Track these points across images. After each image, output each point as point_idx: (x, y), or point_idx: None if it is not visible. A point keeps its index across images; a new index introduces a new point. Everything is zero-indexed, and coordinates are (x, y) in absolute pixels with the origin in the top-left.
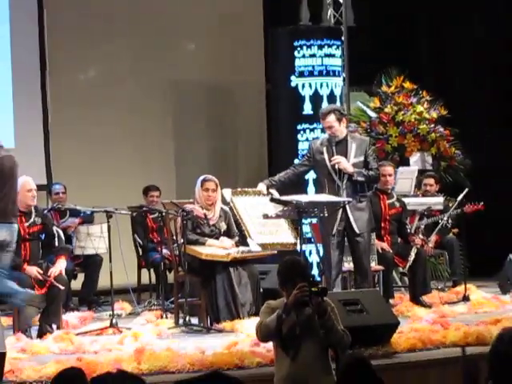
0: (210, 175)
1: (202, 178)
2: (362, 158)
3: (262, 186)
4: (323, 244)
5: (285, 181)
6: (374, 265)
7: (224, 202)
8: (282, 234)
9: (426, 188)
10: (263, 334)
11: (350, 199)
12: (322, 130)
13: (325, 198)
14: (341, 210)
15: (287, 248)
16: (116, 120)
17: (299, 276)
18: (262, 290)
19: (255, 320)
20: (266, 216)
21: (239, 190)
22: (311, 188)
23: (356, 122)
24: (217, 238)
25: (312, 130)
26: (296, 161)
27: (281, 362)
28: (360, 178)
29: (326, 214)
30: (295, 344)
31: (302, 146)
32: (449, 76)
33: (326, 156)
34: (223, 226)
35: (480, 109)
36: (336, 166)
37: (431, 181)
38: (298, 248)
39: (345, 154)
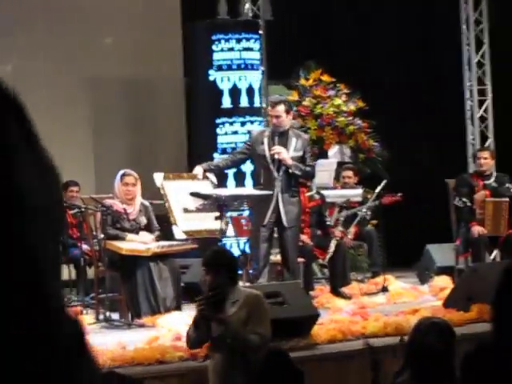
0: (129, 170)
1: (121, 172)
2: (300, 154)
3: (198, 170)
4: (252, 235)
5: (223, 167)
6: None
7: (150, 191)
8: (209, 221)
9: (345, 180)
10: (188, 345)
11: (271, 192)
12: (242, 124)
13: (246, 191)
14: (274, 202)
15: (214, 235)
16: (32, 116)
17: (225, 266)
18: (183, 284)
19: (176, 314)
20: (185, 210)
21: (172, 174)
22: (249, 181)
23: None
24: (137, 233)
25: (231, 123)
26: (216, 155)
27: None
28: (297, 172)
29: (246, 208)
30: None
31: (222, 140)
32: (366, 69)
33: (266, 146)
34: (143, 221)
35: (398, 100)
36: (276, 156)
37: (349, 173)
38: (199, 227)
39: (285, 147)
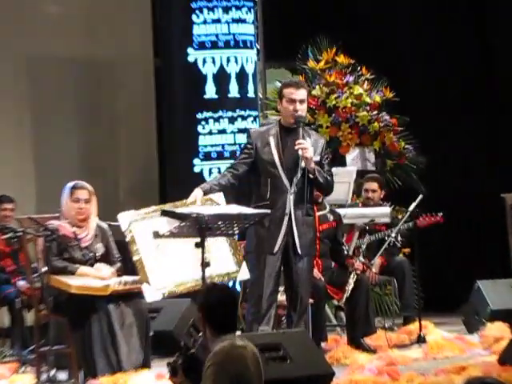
0: (81, 181)
1: (70, 184)
2: (317, 158)
3: (197, 192)
4: (252, 267)
5: (226, 185)
6: None
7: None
8: (194, 264)
9: (368, 195)
10: None
11: (268, 211)
12: (231, 120)
13: (234, 209)
14: (286, 222)
15: (229, 278)
16: None
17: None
18: (152, 333)
19: (144, 374)
20: (156, 234)
21: (153, 208)
22: None
23: (274, 108)
24: (91, 265)
25: (217, 119)
26: (197, 161)
27: None
28: (320, 179)
29: (236, 232)
30: None
31: (204, 141)
32: (395, 48)
33: (273, 148)
34: (100, 249)
35: (436, 90)
36: (300, 153)
37: (374, 185)
38: (207, 274)
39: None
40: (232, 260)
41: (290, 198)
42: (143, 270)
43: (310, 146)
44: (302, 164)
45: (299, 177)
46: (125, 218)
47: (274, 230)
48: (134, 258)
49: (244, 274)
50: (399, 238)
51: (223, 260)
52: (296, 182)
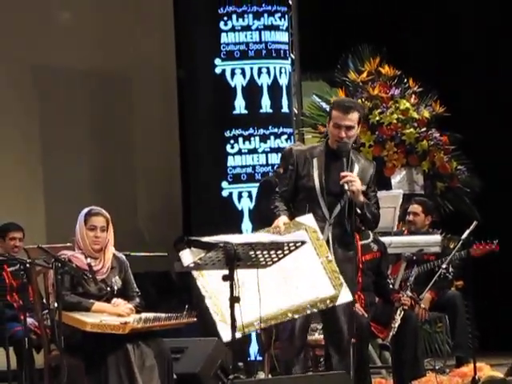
0: (97, 207)
1: (85, 211)
2: (364, 188)
3: (282, 218)
4: None
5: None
6: None
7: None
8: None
9: (409, 218)
10: None
11: (304, 240)
12: (262, 138)
13: (266, 237)
14: None
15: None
16: None
17: None
18: (175, 376)
19: None
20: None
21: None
22: (247, 223)
23: (311, 126)
24: (108, 300)
25: (247, 138)
26: (226, 184)
27: None
28: (368, 214)
29: (270, 263)
30: None
31: (233, 162)
32: (445, 58)
33: (315, 171)
34: (117, 283)
35: (493, 104)
36: (346, 187)
37: (416, 208)
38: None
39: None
40: (328, 283)
41: (329, 231)
42: (219, 309)
43: (357, 178)
44: (348, 196)
45: (341, 207)
46: (187, 257)
47: None
48: (207, 302)
49: (345, 296)
50: (450, 269)
51: (317, 284)
52: (337, 212)
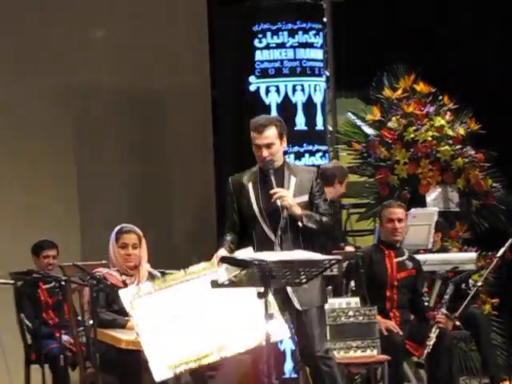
0: (128, 225)
1: (116, 229)
2: (305, 198)
3: (221, 253)
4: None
5: (235, 242)
6: (375, 353)
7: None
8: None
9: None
10: None
11: (339, 257)
12: (297, 156)
13: (301, 255)
14: None
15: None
16: None
17: None
18: None
19: None
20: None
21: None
22: None
23: (345, 143)
24: None
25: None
26: None
27: None
28: (310, 225)
29: (304, 280)
30: None
31: None
32: (480, 74)
33: (252, 195)
34: None
35: None
36: (278, 203)
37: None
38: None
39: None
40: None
41: (278, 249)
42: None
43: (287, 192)
44: (285, 213)
45: (283, 226)
46: (126, 296)
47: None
48: (139, 339)
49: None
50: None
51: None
52: (281, 232)
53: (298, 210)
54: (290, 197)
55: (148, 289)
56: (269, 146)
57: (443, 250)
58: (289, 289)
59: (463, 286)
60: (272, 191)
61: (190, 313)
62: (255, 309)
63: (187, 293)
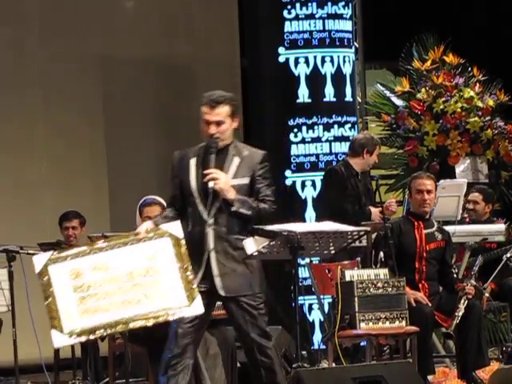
0: (152, 196)
1: (140, 202)
2: (246, 181)
3: (146, 224)
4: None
5: (173, 217)
6: (403, 324)
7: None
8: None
9: (469, 206)
10: None
11: (368, 229)
12: (326, 127)
13: (329, 226)
14: (204, 260)
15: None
16: (20, 119)
17: None
18: (239, 364)
19: None
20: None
21: (76, 250)
22: (310, 212)
23: (375, 114)
24: None
25: (311, 126)
26: (289, 173)
27: None
28: (243, 211)
29: (333, 252)
30: None
31: (297, 151)
32: (511, 45)
33: (192, 173)
34: None
35: None
36: (210, 185)
37: (476, 196)
38: (147, 309)
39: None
40: (183, 294)
41: (208, 232)
42: (57, 314)
43: (222, 174)
44: (211, 191)
45: (219, 206)
46: (40, 260)
47: (196, 269)
48: (46, 302)
49: (196, 309)
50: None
51: (171, 294)
52: (215, 212)
53: (231, 195)
54: (224, 180)
55: (62, 256)
56: (219, 123)
57: (489, 222)
58: (214, 274)
59: (505, 257)
60: (206, 171)
61: (99, 282)
62: (169, 276)
63: (101, 262)
